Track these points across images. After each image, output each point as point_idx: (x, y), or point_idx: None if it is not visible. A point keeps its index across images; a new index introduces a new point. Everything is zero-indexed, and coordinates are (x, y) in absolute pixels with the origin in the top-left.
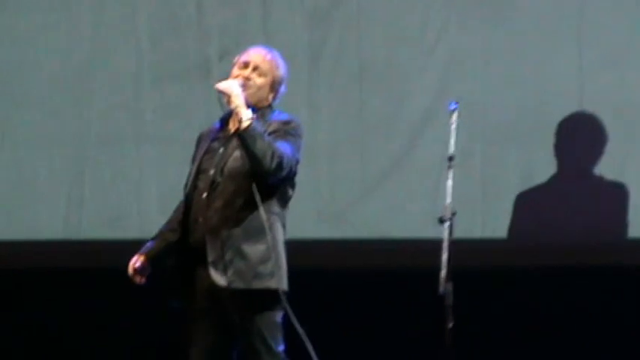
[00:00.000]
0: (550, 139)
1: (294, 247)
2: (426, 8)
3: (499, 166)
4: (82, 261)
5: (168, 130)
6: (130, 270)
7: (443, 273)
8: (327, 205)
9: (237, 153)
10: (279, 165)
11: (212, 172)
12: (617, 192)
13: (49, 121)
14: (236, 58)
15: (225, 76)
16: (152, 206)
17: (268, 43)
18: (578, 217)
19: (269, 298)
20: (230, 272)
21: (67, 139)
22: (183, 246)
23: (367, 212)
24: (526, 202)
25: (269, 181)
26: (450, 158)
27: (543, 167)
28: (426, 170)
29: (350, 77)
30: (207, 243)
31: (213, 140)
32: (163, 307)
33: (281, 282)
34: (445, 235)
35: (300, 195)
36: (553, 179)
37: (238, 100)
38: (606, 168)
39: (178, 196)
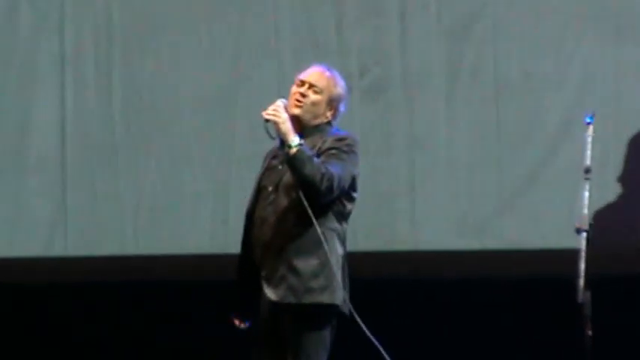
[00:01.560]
0: None
1: (433, 258)
2: (561, 22)
3: (635, 177)
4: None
5: None
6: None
7: (581, 282)
8: (466, 218)
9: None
10: (330, 187)
11: (270, 188)
12: None
13: (192, 140)
14: (296, 76)
15: (365, 93)
16: None
17: (406, 60)
18: None
19: (319, 313)
20: (282, 287)
21: (211, 158)
22: (247, 263)
23: (505, 225)
24: None
25: (320, 202)
26: (587, 170)
27: None
28: (563, 182)
29: (487, 92)
30: (262, 258)
31: (273, 158)
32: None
33: (332, 296)
34: (582, 245)
35: (439, 208)
36: None
37: (285, 126)
38: None
39: None
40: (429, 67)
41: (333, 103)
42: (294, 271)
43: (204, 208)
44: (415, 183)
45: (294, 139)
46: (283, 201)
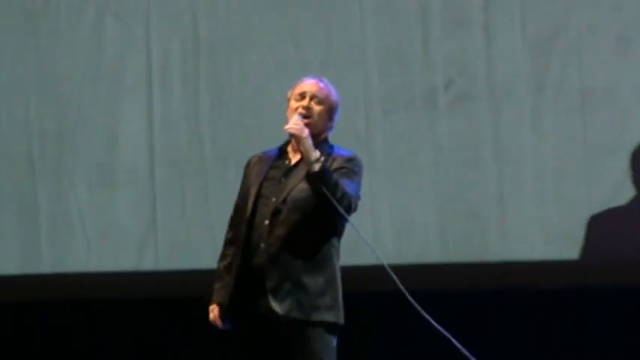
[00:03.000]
0: None
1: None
2: None
3: None
4: None
5: (397, 158)
6: (215, 321)
7: None
8: (555, 228)
9: (302, 185)
10: (348, 206)
11: (274, 199)
12: None
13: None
14: (289, 93)
15: (451, 104)
16: (385, 233)
17: (491, 71)
18: None
19: (324, 331)
20: (288, 302)
21: None
22: (242, 269)
23: (594, 233)
24: None
25: (337, 221)
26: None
27: None
28: None
29: (573, 102)
30: (266, 270)
31: (271, 168)
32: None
33: (337, 315)
34: None
35: (528, 218)
36: None
37: (307, 141)
38: None
39: (411, 224)
40: (514, 79)
41: (331, 113)
42: (302, 287)
43: None
44: (503, 194)
45: (316, 154)
46: (295, 216)
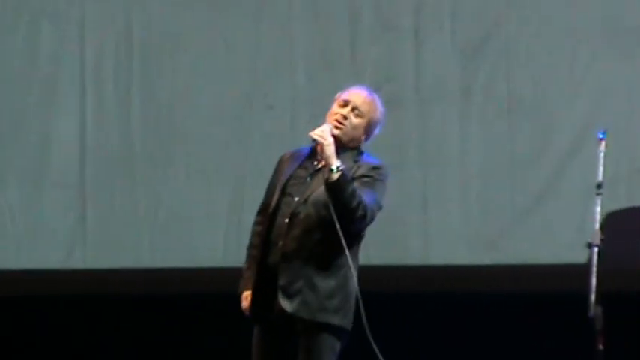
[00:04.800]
0: None
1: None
2: (573, 42)
3: None
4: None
5: None
6: (246, 309)
7: (592, 297)
8: (479, 233)
9: (323, 187)
10: (363, 216)
11: (297, 199)
12: None
13: (209, 152)
14: (337, 95)
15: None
16: None
17: (420, 76)
18: None
19: (328, 333)
20: (297, 300)
21: (229, 170)
22: (261, 265)
23: (518, 239)
24: None
25: (351, 230)
26: (598, 186)
27: None
28: (574, 198)
29: (500, 109)
30: (279, 267)
31: (300, 167)
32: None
33: (345, 319)
34: (594, 259)
35: (452, 223)
36: None
37: (329, 150)
38: None
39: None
40: (442, 84)
41: (371, 127)
42: (311, 286)
43: (220, 222)
44: (428, 198)
45: (336, 163)
46: (312, 216)
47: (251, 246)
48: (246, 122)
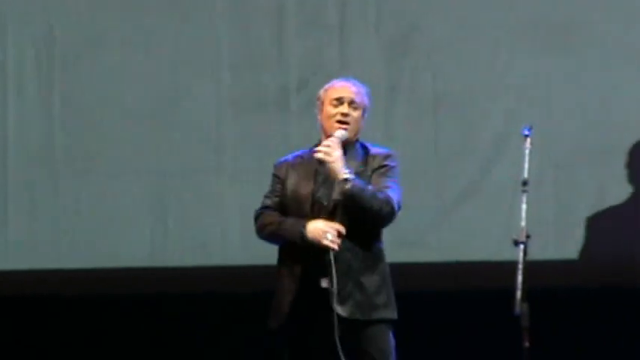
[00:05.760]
0: (620, 161)
1: None
2: (496, 38)
3: (571, 189)
4: (167, 287)
5: (247, 160)
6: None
7: (518, 294)
8: (405, 230)
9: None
10: (391, 211)
11: (325, 203)
12: None
13: (132, 152)
14: (320, 94)
15: (303, 106)
16: (234, 234)
17: (345, 73)
18: None
19: (384, 328)
20: (350, 303)
21: (151, 170)
22: (294, 270)
23: (444, 236)
24: (599, 223)
25: (383, 225)
26: (524, 182)
27: (614, 189)
28: (500, 194)
29: (425, 105)
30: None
31: (317, 172)
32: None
33: (394, 311)
34: (520, 257)
35: None
36: (624, 200)
37: (335, 165)
38: None
39: None
40: (367, 80)
41: (364, 114)
42: (360, 287)
43: (143, 221)
44: None
45: (344, 174)
46: (347, 219)
47: (270, 219)
48: (169, 121)
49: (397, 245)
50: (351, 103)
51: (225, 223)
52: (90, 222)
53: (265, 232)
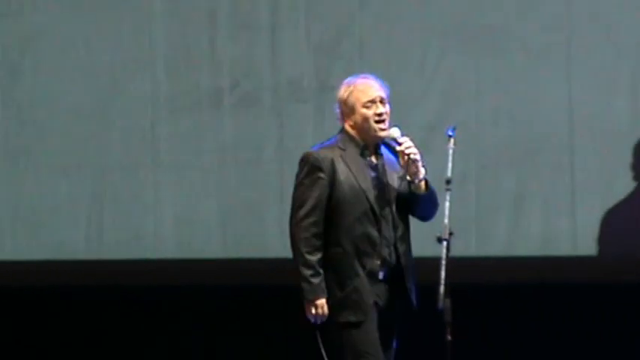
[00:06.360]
0: (540, 163)
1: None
2: (425, 40)
3: (494, 189)
4: (102, 279)
5: (182, 157)
6: (323, 317)
7: (441, 289)
8: None
9: (397, 185)
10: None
11: (387, 204)
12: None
13: (70, 147)
14: (345, 97)
15: (236, 105)
16: (167, 228)
17: (276, 74)
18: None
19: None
20: (413, 297)
21: (88, 164)
22: (357, 267)
23: None
24: (519, 222)
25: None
26: (448, 181)
27: (534, 190)
28: None
29: None
30: (405, 268)
31: (371, 170)
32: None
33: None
34: (443, 253)
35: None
36: (544, 201)
37: (420, 162)
38: (597, 187)
39: (193, 221)
40: (298, 81)
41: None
42: (414, 278)
43: (80, 215)
44: (284, 193)
45: (424, 173)
46: (402, 217)
47: (315, 251)
48: (106, 118)
49: None
50: (382, 100)
51: (159, 218)
52: (28, 216)
53: (302, 259)
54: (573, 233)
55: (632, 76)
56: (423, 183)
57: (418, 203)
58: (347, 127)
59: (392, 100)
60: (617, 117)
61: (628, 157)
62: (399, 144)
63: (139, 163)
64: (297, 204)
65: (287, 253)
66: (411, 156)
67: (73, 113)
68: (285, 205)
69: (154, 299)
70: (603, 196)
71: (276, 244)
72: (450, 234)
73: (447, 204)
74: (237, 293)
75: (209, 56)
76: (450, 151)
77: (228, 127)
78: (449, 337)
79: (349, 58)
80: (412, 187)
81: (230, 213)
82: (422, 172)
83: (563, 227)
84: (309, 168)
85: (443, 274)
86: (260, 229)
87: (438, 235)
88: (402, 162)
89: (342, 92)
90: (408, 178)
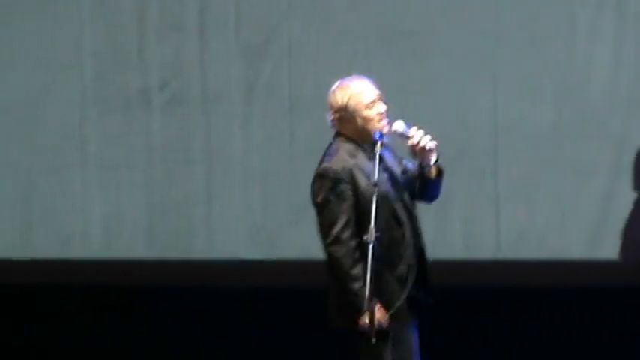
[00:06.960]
0: (467, 168)
1: (228, 267)
2: (352, 44)
3: None
4: (32, 279)
5: (110, 158)
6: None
7: (367, 291)
8: (259, 229)
9: (404, 181)
10: None
11: (402, 203)
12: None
13: None
14: (345, 103)
15: (164, 106)
16: (96, 229)
17: (204, 75)
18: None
19: None
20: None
21: (16, 165)
22: (387, 275)
23: (296, 235)
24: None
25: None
26: (375, 184)
27: (460, 193)
28: None
29: (281, 108)
30: (423, 265)
31: (383, 172)
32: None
33: None
34: (369, 256)
35: (234, 218)
36: (469, 202)
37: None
38: (520, 192)
39: (121, 221)
40: (226, 83)
41: None
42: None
43: (9, 214)
44: (212, 194)
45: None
46: (415, 214)
47: (356, 263)
48: (35, 118)
49: (251, 243)
50: (380, 98)
51: (87, 218)
52: None
53: (348, 275)
54: (497, 238)
55: (555, 83)
56: (435, 167)
57: (428, 187)
58: (346, 132)
59: (319, 105)
60: (540, 123)
61: (551, 163)
62: (408, 137)
63: (67, 163)
64: (328, 222)
65: (214, 253)
66: (427, 146)
67: (1, 113)
68: (213, 207)
69: (81, 299)
70: (526, 201)
71: (203, 245)
72: (376, 237)
73: (374, 206)
74: (164, 294)
75: (138, 57)
76: (377, 155)
77: (157, 127)
78: (374, 340)
79: (277, 60)
80: (426, 172)
81: (157, 213)
82: (435, 156)
83: (486, 232)
84: (332, 183)
85: (368, 276)
86: (187, 228)
87: (365, 237)
88: (416, 154)
89: (339, 98)
90: (423, 165)
